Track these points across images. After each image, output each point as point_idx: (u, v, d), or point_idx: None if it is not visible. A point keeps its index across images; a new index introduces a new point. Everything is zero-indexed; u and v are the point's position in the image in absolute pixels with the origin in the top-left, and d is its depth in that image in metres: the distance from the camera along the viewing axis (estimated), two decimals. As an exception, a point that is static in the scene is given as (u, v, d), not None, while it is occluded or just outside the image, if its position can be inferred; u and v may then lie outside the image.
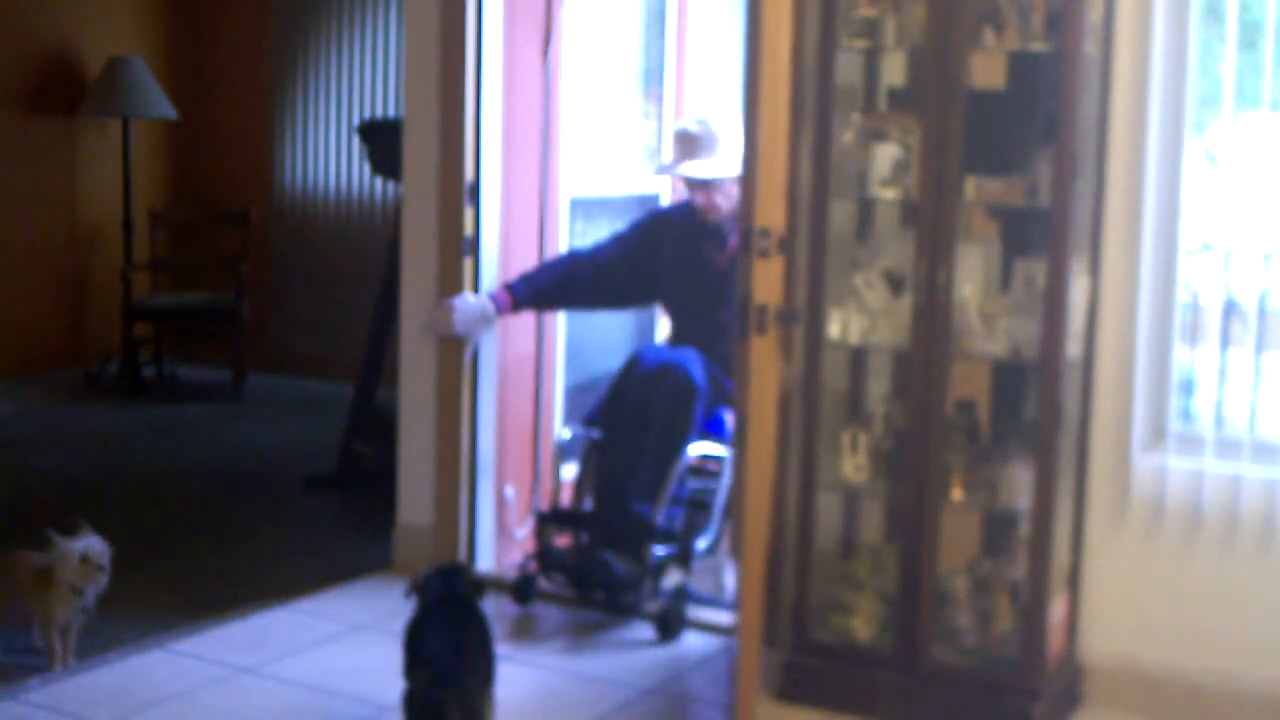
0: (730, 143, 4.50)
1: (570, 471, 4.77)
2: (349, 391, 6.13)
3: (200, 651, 4.16)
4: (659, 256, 4.76)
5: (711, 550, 4.49)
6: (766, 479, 3.87)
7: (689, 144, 4.58)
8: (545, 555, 4.45)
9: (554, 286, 4.73)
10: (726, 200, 4.57)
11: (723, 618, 4.39)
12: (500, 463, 4.90)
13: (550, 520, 4.55)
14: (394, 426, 4.98)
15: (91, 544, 4.03)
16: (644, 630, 4.38)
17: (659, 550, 4.33)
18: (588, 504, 4.58)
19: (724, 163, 4.53)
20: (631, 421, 4.44)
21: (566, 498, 4.81)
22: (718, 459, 4.52)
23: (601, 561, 4.29)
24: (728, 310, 4.55)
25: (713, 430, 4.54)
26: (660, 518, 4.35)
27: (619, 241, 4.80)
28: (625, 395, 4.50)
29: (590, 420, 4.66)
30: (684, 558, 4.38)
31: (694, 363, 4.46)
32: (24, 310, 7.80)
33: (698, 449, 4.47)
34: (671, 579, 4.35)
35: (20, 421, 7.19)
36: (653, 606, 4.38)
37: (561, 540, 4.55)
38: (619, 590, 4.35)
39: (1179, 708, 3.82)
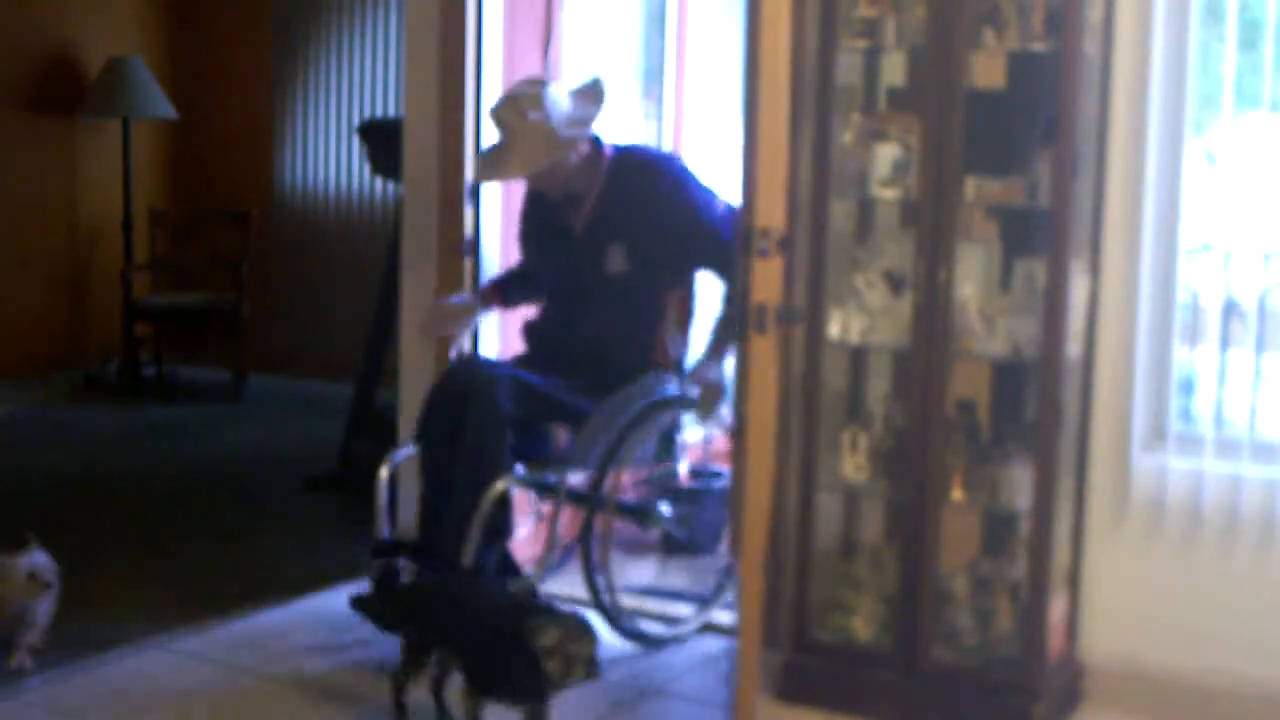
0: (542, 123, 4.11)
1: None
2: (349, 391, 6.13)
3: (200, 651, 4.16)
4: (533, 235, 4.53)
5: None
6: (767, 478, 3.86)
7: (500, 134, 4.20)
8: (359, 598, 4.04)
9: (514, 284, 4.61)
10: (561, 174, 4.22)
11: (723, 618, 4.39)
12: (500, 463, 4.88)
13: (382, 551, 4.13)
14: (394, 426, 4.98)
15: (38, 561, 3.97)
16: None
17: None
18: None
19: (538, 151, 4.13)
20: (443, 448, 4.08)
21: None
22: (545, 484, 4.15)
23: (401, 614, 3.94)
24: (587, 283, 4.29)
25: (537, 452, 4.16)
26: (471, 555, 3.94)
27: (520, 236, 4.60)
28: (437, 417, 4.11)
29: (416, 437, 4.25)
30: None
31: (502, 384, 4.06)
32: (24, 310, 7.81)
33: (511, 480, 4.04)
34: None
35: (20, 421, 7.19)
36: None
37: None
38: None
39: (1179, 708, 3.82)
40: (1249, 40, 3.72)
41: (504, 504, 4.07)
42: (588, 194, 4.29)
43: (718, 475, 5.29)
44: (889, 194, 3.83)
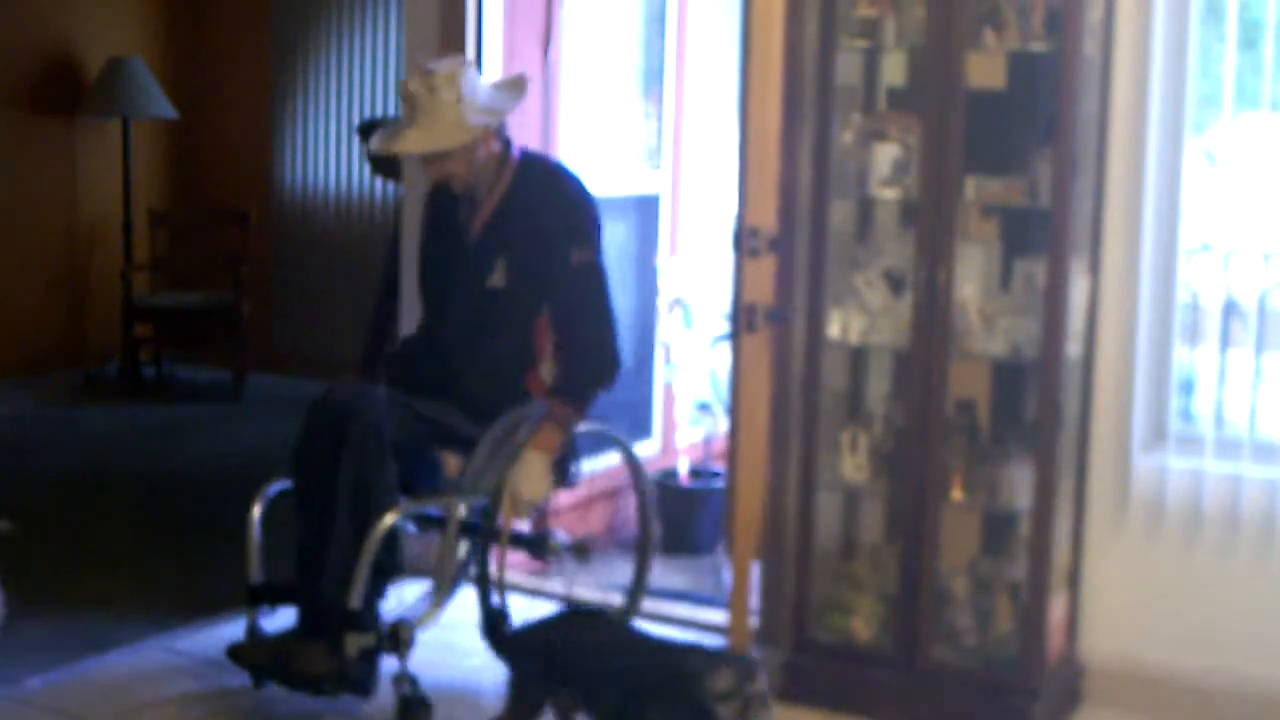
0: (452, 103, 3.79)
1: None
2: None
3: (200, 651, 4.15)
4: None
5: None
6: (759, 477, 3.87)
7: (406, 108, 3.87)
8: (235, 648, 3.80)
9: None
10: (465, 166, 3.88)
11: (720, 617, 4.39)
12: (500, 463, 4.86)
13: (257, 596, 3.89)
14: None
15: None
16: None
17: (357, 640, 3.64)
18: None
19: (443, 131, 3.81)
20: (320, 480, 3.76)
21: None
22: (430, 516, 3.90)
23: (279, 664, 3.74)
24: (468, 296, 3.98)
25: (424, 481, 3.92)
26: (358, 597, 3.63)
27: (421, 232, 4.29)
28: (313, 446, 3.82)
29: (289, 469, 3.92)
30: (386, 640, 3.68)
31: (383, 407, 3.77)
32: (24, 310, 7.81)
33: (403, 509, 3.75)
34: (354, 644, 3.64)
35: (20, 421, 7.19)
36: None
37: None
38: (313, 689, 3.73)
39: (1179, 708, 3.81)
40: (1249, 40, 3.72)
41: (392, 540, 3.75)
42: (488, 197, 3.95)
43: (716, 475, 5.30)
44: (889, 194, 3.83)
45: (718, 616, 4.41)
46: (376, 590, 3.75)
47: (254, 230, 8.10)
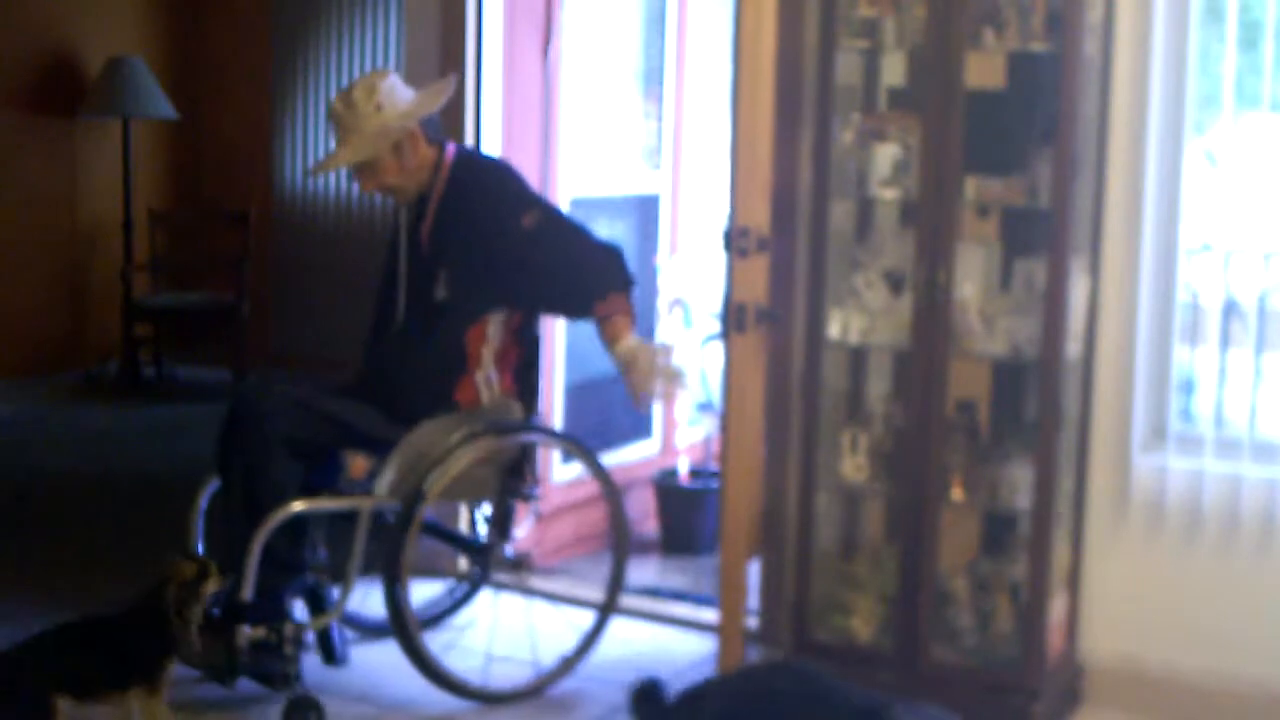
0: (371, 113, 3.81)
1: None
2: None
3: (200, 651, 4.15)
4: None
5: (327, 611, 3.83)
6: (751, 477, 3.87)
7: (334, 130, 3.90)
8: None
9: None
10: (397, 174, 3.89)
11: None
12: (500, 463, 4.86)
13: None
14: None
15: None
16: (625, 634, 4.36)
17: (247, 630, 3.63)
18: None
19: (364, 141, 3.82)
20: (227, 476, 3.81)
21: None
22: (344, 516, 3.82)
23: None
24: (414, 305, 3.97)
25: (329, 481, 3.88)
26: (248, 590, 3.63)
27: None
28: (223, 443, 3.84)
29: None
30: (271, 636, 3.66)
31: (280, 405, 3.77)
32: (24, 310, 7.81)
33: (301, 506, 3.69)
34: (243, 636, 3.63)
35: (20, 421, 7.19)
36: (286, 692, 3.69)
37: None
38: (213, 677, 3.75)
39: (1179, 708, 3.82)
40: (1249, 40, 3.73)
41: (297, 535, 3.75)
42: (431, 203, 3.92)
43: (716, 475, 5.30)
44: (889, 194, 3.83)
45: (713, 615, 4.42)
46: (279, 585, 3.72)
47: (254, 230, 8.10)
